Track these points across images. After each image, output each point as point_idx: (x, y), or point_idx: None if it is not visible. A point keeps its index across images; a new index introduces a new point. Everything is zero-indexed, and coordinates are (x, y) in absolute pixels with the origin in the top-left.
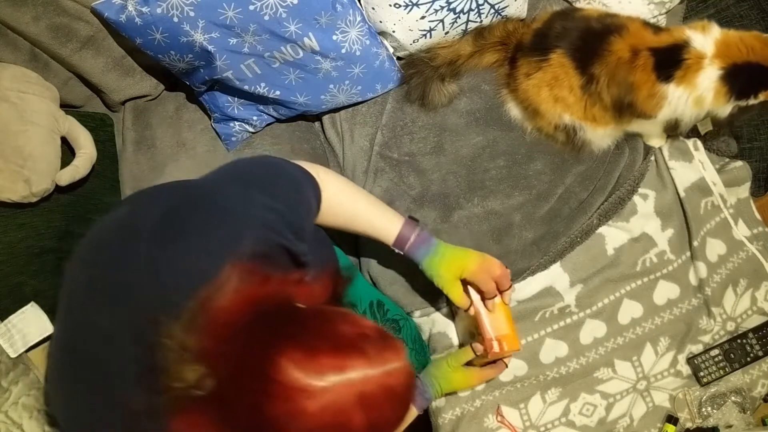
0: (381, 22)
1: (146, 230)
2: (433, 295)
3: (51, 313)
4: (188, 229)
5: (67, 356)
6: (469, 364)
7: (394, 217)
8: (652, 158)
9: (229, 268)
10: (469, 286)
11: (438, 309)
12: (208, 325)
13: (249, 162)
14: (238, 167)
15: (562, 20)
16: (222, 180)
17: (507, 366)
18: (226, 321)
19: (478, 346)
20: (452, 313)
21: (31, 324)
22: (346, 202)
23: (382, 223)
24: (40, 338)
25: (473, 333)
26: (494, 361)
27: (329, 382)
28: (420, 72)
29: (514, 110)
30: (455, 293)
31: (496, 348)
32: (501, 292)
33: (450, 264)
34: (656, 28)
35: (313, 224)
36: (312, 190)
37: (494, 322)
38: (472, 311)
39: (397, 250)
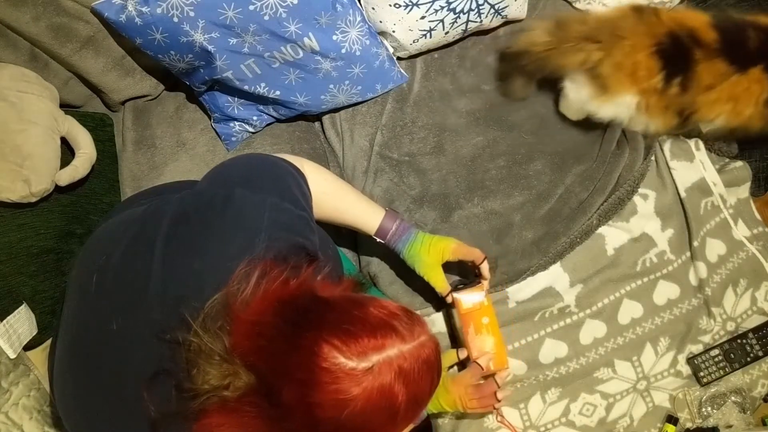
0: (381, 22)
1: (160, 237)
2: (433, 295)
3: (50, 314)
4: (202, 236)
5: (77, 360)
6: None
7: (375, 208)
8: (653, 158)
9: (248, 267)
10: (456, 299)
11: (438, 309)
12: (235, 325)
13: (244, 162)
14: (238, 168)
15: (754, 30)
16: (232, 183)
17: (499, 400)
18: (254, 319)
19: (463, 351)
20: (448, 316)
21: (24, 324)
22: (330, 194)
23: (364, 214)
24: (29, 339)
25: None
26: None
27: (372, 362)
28: (510, 58)
29: (621, 110)
30: (437, 278)
31: (483, 366)
32: (479, 269)
33: (431, 248)
34: None
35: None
36: (306, 184)
37: (480, 342)
38: (449, 299)
39: (378, 240)
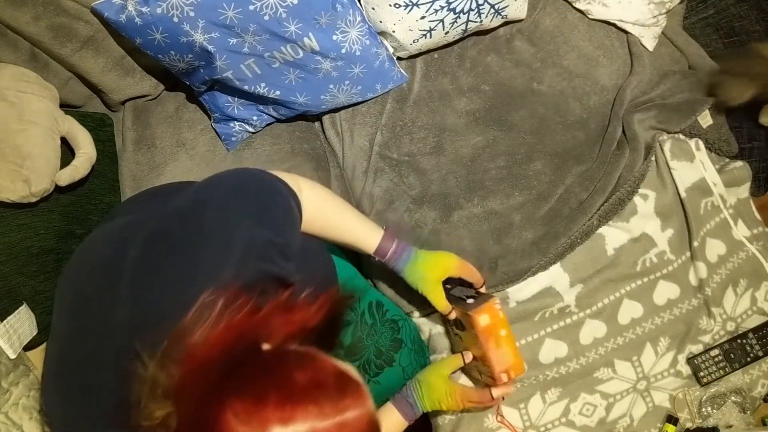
0: (381, 22)
1: (131, 257)
2: None
3: (50, 314)
4: (171, 259)
5: (62, 367)
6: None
7: (374, 227)
8: (653, 158)
9: (210, 298)
10: (473, 318)
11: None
12: (181, 362)
13: (230, 181)
14: (221, 188)
15: None
16: (209, 203)
17: (493, 398)
18: (200, 357)
19: (468, 355)
20: (443, 323)
21: (24, 324)
22: (327, 212)
23: (363, 233)
24: (29, 339)
25: (477, 361)
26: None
27: None
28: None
29: None
30: (437, 297)
31: (504, 379)
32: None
33: (433, 265)
34: None
35: (300, 238)
36: (297, 205)
37: (502, 356)
38: (452, 315)
39: (377, 259)
